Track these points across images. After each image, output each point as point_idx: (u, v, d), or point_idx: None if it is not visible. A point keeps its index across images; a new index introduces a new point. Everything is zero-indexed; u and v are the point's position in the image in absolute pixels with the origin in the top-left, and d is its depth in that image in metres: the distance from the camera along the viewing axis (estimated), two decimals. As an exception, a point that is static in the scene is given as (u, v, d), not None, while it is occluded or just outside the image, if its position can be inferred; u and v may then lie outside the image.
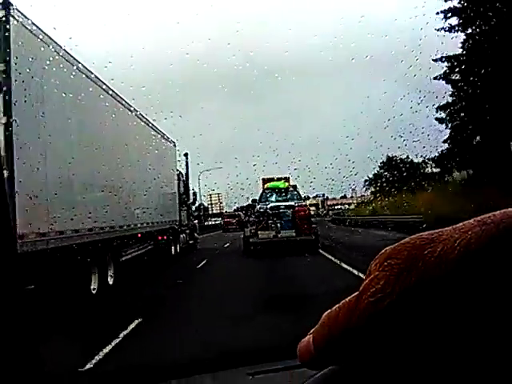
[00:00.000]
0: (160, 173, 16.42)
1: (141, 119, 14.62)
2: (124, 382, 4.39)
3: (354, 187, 50.19)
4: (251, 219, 20.70)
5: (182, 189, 21.06)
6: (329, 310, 0.49)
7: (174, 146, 20.13)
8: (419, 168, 39.89)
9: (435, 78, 25.82)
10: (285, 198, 20.62)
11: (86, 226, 9.78)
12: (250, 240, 18.75)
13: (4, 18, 7.28)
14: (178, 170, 20.61)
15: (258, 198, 21.66)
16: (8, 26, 7.27)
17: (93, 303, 9.39)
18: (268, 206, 19.53)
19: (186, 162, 23.42)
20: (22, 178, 7.27)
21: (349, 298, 0.48)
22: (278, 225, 18.90)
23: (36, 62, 7.92)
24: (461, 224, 0.45)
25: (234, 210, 43.64)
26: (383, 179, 44.56)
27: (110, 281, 10.98)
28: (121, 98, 12.68)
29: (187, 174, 23.20)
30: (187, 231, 22.01)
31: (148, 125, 15.54)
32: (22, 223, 7.22)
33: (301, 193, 22.05)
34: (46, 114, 8.07)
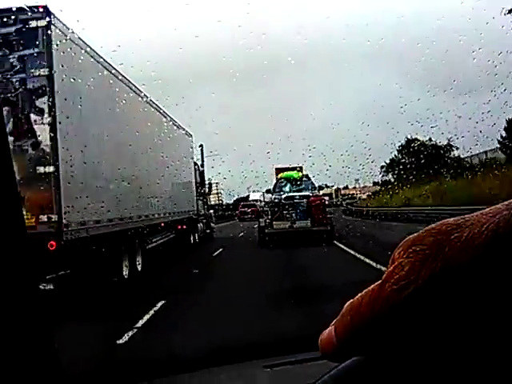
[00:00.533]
0: (180, 165, 17.14)
1: (164, 116, 15.36)
2: (142, 371, 4.32)
3: (357, 178, 45.68)
4: (265, 209, 20.60)
5: (198, 179, 21.77)
6: (351, 300, 0.48)
7: (191, 137, 20.83)
8: (444, 151, 36.06)
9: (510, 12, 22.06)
10: (299, 187, 20.44)
11: (118, 216, 10.52)
12: (266, 230, 18.48)
13: (46, 27, 7.98)
14: (194, 161, 21.32)
15: (271, 187, 21.49)
16: (50, 34, 7.97)
17: (126, 286, 10.17)
18: (283, 197, 19.42)
19: (202, 153, 24.04)
20: (65, 172, 8.02)
21: (372, 286, 0.47)
22: (293, 215, 18.69)
23: (74, 66, 8.63)
24: (488, 209, 0.45)
25: (234, 201, 44.32)
26: (407, 164, 38.21)
27: (139, 267, 11.73)
28: (147, 96, 13.41)
29: (203, 164, 23.88)
30: (204, 221, 22.71)
31: (170, 121, 16.28)
32: (67, 214, 7.98)
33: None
34: (83, 114, 8.80)
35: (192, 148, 21.25)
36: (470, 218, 0.45)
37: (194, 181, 20.55)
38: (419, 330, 0.44)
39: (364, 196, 50.83)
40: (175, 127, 17.19)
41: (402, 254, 0.46)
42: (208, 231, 23.56)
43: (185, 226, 18.05)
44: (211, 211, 26.86)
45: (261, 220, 19.79)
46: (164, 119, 15.44)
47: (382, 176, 43.61)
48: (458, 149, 35.19)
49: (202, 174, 23.21)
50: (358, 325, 0.46)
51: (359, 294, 0.47)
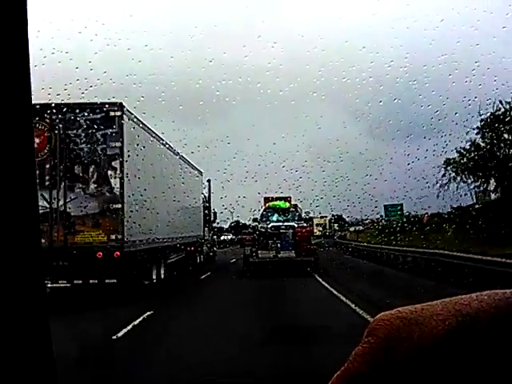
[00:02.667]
0: (192, 198, 21.75)
1: (184, 161, 20.06)
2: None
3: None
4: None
5: (206, 209, 26.24)
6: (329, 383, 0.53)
7: (201, 174, 25.38)
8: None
9: None
10: (286, 218, 20.83)
11: (151, 237, 15.02)
12: (250, 259, 19.10)
13: (120, 116, 12.63)
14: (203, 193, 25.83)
15: (258, 216, 22.46)
16: (122, 121, 12.62)
17: (155, 287, 14.66)
18: (269, 226, 20.03)
19: (209, 187, 28.37)
20: (127, 208, 12.59)
21: (339, 371, 0.53)
22: (278, 245, 19.23)
23: (136, 140, 13.31)
24: (439, 307, 0.50)
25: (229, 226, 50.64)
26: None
27: (162, 276, 16.18)
28: (179, 153, 18.23)
29: (209, 196, 28.29)
30: (208, 245, 27.14)
31: (189, 166, 20.97)
32: (126, 234, 12.52)
33: (303, 213, 22.49)
34: (139, 171, 13.44)
35: (202, 183, 25.82)
36: (422, 313, 0.50)
37: (202, 210, 25.04)
38: None
39: (352, 228, 43.40)
40: (193, 170, 21.91)
41: (363, 338, 0.53)
42: (211, 254, 27.99)
43: (193, 248, 22.40)
44: (215, 237, 31.32)
45: (246, 248, 20.26)
46: (186, 166, 20.21)
47: (450, 174, 24.71)
48: None
49: (208, 204, 27.66)
50: None
51: (334, 376, 0.53)
